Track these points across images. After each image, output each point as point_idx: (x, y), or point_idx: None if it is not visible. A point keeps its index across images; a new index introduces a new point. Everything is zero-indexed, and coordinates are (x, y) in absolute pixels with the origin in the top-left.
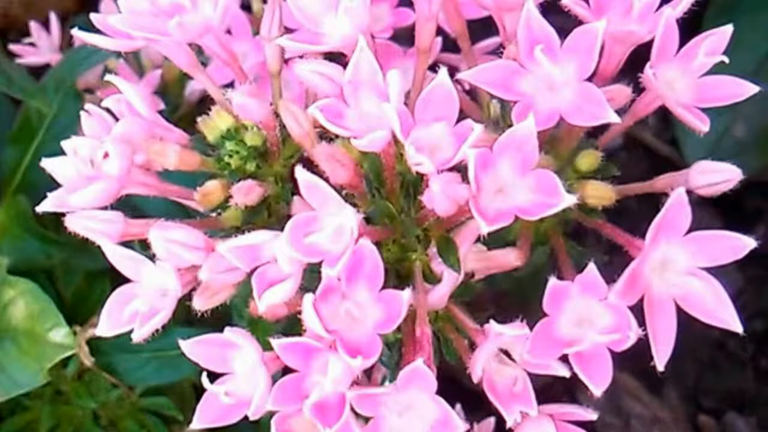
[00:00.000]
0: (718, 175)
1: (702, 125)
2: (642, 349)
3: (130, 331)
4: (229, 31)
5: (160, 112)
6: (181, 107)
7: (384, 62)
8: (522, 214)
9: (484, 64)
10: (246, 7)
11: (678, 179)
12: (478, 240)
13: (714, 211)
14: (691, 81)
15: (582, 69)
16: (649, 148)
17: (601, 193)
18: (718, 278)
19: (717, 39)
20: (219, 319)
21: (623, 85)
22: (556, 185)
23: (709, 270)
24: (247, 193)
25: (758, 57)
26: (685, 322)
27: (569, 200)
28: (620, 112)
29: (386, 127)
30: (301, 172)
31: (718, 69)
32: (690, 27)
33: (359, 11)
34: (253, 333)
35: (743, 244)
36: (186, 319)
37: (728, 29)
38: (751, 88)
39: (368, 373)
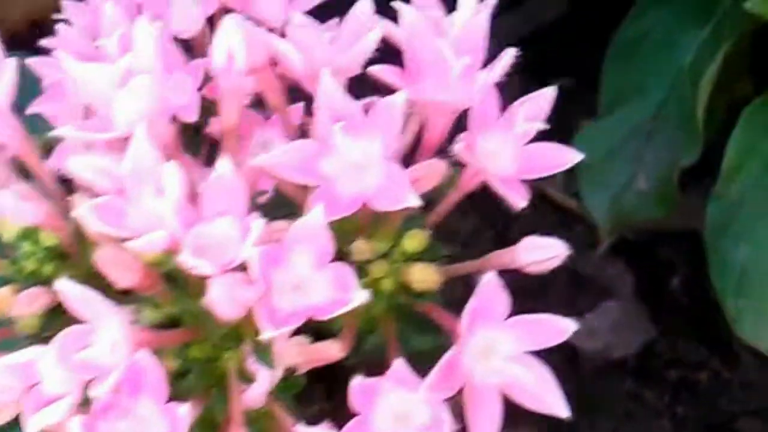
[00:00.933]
0: (543, 252)
1: (520, 201)
2: None
3: None
4: None
5: None
6: None
7: (244, 131)
8: (316, 313)
9: (282, 146)
10: None
11: (505, 258)
12: (302, 331)
13: (625, 265)
14: (515, 150)
15: (387, 146)
16: (555, 203)
17: (425, 277)
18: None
19: (538, 102)
20: None
21: (438, 160)
22: (351, 280)
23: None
24: (30, 303)
25: (656, 103)
26: (594, 379)
27: (360, 298)
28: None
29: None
30: (62, 284)
31: (616, 122)
32: (589, 71)
33: (147, 91)
34: None
35: (565, 326)
36: None
37: (550, 92)
38: (575, 156)
39: None
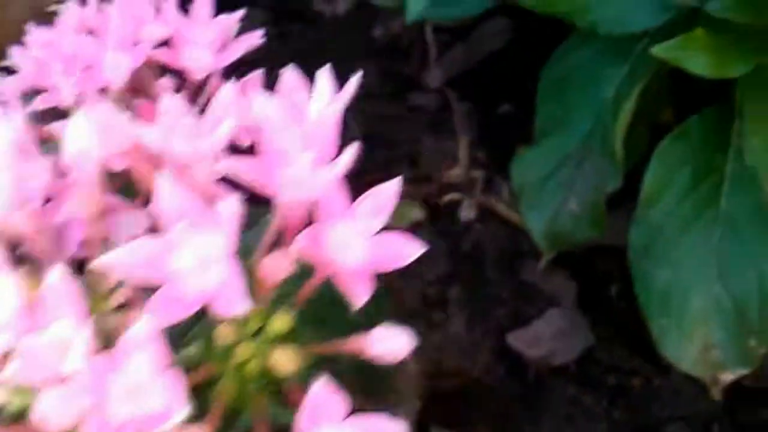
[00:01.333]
0: (391, 342)
1: (362, 297)
2: None
3: None
4: None
5: None
6: None
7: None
8: (150, 422)
9: (130, 244)
10: None
11: (359, 344)
12: None
13: (568, 275)
14: (364, 242)
15: (228, 242)
16: (502, 218)
17: (286, 359)
18: None
19: (380, 197)
20: None
21: (283, 254)
22: (180, 390)
23: None
24: None
25: (583, 133)
26: (538, 384)
27: (180, 416)
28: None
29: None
30: None
31: (550, 150)
32: (528, 98)
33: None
34: None
35: (396, 428)
36: None
37: (393, 186)
38: (419, 248)
39: None
